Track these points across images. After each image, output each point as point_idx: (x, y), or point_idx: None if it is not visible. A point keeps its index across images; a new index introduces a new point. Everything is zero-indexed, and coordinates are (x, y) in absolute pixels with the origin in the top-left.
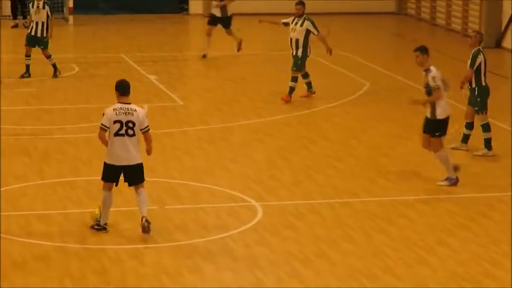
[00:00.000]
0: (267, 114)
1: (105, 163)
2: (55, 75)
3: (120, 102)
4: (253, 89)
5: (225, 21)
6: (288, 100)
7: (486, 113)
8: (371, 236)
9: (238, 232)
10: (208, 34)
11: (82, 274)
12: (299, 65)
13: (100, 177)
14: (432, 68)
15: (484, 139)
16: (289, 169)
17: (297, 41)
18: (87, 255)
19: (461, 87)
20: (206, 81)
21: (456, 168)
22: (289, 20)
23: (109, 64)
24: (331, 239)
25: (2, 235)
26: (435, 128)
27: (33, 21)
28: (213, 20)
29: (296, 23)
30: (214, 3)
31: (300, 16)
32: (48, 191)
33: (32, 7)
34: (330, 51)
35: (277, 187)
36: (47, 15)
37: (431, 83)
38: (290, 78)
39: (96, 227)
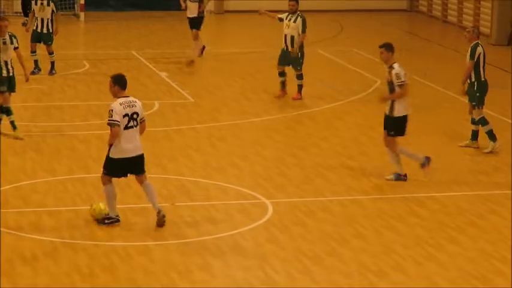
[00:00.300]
0: (277, 111)
1: (112, 159)
2: (51, 73)
3: (122, 97)
4: (263, 86)
5: (199, 21)
6: (299, 98)
7: (482, 108)
8: (381, 233)
9: (248, 229)
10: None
11: (91, 270)
12: (301, 63)
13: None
14: (395, 65)
15: (486, 133)
16: (299, 166)
17: (292, 37)
18: (96, 251)
19: (464, 83)
20: (217, 79)
21: (426, 162)
22: (283, 15)
23: (120, 61)
24: (341, 236)
25: (12, 231)
26: (391, 126)
27: (37, 18)
28: (191, 23)
29: (290, 19)
30: (192, 6)
31: (293, 12)
32: (58, 187)
33: (36, 4)
34: (296, 54)
35: (287, 184)
36: (52, 12)
37: (395, 81)
38: (295, 76)
39: (106, 221)
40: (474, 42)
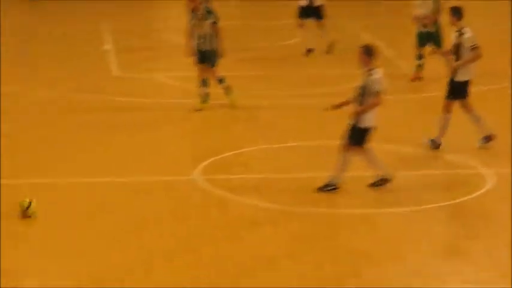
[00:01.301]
0: None
1: (366, 128)
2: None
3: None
4: None
5: (320, 10)
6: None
7: None
8: None
9: None
10: (301, 26)
11: (312, 238)
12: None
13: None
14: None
15: None
16: None
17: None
18: (316, 219)
19: None
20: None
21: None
22: None
23: None
24: None
25: (236, 197)
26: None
27: None
28: (304, 12)
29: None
30: None
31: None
32: (272, 155)
33: None
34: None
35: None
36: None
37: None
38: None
39: (325, 188)
40: None
